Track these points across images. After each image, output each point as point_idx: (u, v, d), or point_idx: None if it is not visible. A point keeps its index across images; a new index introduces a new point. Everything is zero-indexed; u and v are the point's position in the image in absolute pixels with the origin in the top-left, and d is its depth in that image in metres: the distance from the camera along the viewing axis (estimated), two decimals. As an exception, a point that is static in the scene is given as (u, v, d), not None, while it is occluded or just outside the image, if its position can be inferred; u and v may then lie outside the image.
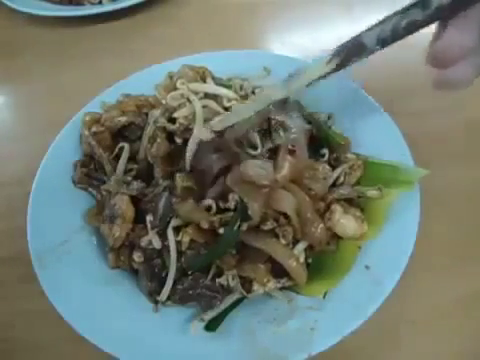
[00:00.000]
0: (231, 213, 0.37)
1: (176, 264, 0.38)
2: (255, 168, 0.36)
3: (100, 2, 0.79)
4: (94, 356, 0.35)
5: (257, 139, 0.40)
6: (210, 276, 0.38)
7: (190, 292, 0.38)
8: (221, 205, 0.38)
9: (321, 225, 0.39)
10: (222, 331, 0.36)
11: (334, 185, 0.43)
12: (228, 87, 0.46)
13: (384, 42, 0.26)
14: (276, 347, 0.34)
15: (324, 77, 0.28)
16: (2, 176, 0.56)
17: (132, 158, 0.46)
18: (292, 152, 0.39)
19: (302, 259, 0.39)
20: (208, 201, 0.38)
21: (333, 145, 0.45)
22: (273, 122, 0.41)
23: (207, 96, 0.44)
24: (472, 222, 0.47)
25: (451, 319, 0.40)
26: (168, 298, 0.38)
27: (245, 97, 0.47)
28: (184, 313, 0.38)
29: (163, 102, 0.45)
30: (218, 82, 0.47)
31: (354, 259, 0.38)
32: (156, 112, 0.44)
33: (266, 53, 0.65)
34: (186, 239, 0.38)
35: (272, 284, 0.38)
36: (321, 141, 0.46)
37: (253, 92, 0.49)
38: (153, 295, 0.39)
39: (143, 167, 0.44)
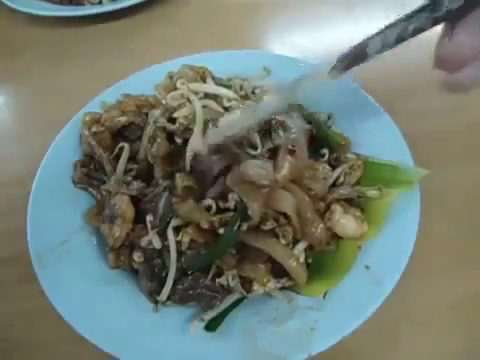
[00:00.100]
0: (231, 213, 0.37)
1: (176, 264, 0.38)
2: (255, 168, 0.36)
3: (100, 2, 0.79)
4: (94, 356, 0.35)
5: (257, 139, 0.40)
6: (210, 276, 0.38)
7: (190, 292, 0.38)
8: (221, 205, 0.38)
9: (321, 225, 0.39)
10: (222, 331, 0.36)
11: (334, 185, 0.43)
12: (228, 87, 0.46)
13: (387, 47, 0.26)
14: (276, 347, 0.34)
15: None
16: (2, 176, 0.56)
17: (132, 158, 0.46)
18: (292, 152, 0.39)
19: (302, 259, 0.39)
20: (208, 201, 0.38)
21: (333, 145, 0.45)
22: (273, 122, 0.41)
23: (207, 96, 0.44)
24: (472, 222, 0.47)
25: (451, 319, 0.40)
26: (168, 298, 0.38)
27: (245, 97, 0.47)
28: (184, 313, 0.38)
29: (163, 102, 0.45)
30: (218, 82, 0.47)
31: (354, 259, 0.38)
32: (156, 112, 0.44)
33: (266, 53, 0.65)
34: (186, 239, 0.38)
35: (272, 284, 0.38)
36: (321, 141, 0.46)
37: (253, 92, 0.49)
38: (153, 295, 0.39)
39: (143, 167, 0.44)
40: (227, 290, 0.38)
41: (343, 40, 0.68)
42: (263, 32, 0.77)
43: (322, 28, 0.75)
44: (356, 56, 0.26)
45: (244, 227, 0.36)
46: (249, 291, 0.38)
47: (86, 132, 0.46)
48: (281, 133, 0.41)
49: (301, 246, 0.39)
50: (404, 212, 0.39)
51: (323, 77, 0.27)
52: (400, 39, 0.26)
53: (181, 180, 0.39)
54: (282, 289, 0.39)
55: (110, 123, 0.46)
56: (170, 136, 0.43)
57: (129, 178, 0.43)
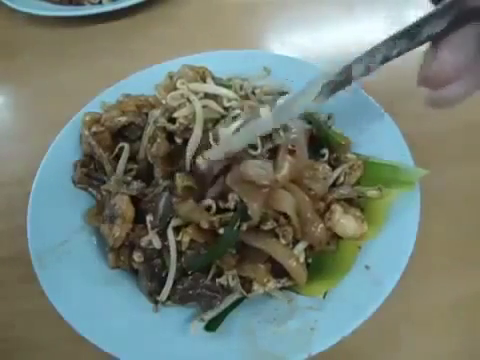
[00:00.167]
0: (231, 213, 0.37)
1: (176, 264, 0.38)
2: (255, 168, 0.36)
3: (100, 2, 0.79)
4: (94, 356, 0.35)
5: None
6: (210, 276, 0.38)
7: (190, 292, 0.38)
8: (221, 205, 0.38)
9: (321, 225, 0.39)
10: (222, 331, 0.36)
11: (334, 185, 0.44)
12: (228, 87, 0.46)
13: (373, 70, 0.26)
14: (276, 347, 0.34)
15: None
16: (2, 176, 0.56)
17: (132, 158, 0.46)
18: (292, 152, 0.39)
19: (302, 259, 0.39)
20: (208, 201, 0.38)
21: (333, 145, 0.45)
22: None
23: (207, 96, 0.44)
24: (471, 222, 0.47)
25: (451, 319, 0.40)
26: (168, 298, 0.38)
27: (245, 97, 0.47)
28: (184, 313, 0.38)
29: (163, 102, 0.45)
30: (218, 82, 0.47)
31: (354, 259, 0.38)
32: (156, 112, 0.44)
33: (266, 53, 0.65)
34: (186, 239, 0.38)
35: (272, 284, 0.38)
36: (321, 141, 0.46)
37: (253, 92, 0.49)
38: (153, 295, 0.39)
39: (143, 167, 0.44)
40: (227, 290, 0.38)
41: (343, 40, 0.69)
42: (263, 32, 0.77)
43: (322, 28, 0.75)
44: (341, 81, 0.26)
45: (244, 227, 0.36)
46: (249, 291, 0.38)
47: (86, 132, 0.46)
48: (281, 133, 0.40)
49: (301, 246, 0.39)
50: (404, 212, 0.39)
51: (308, 103, 0.27)
52: (385, 61, 0.26)
53: (181, 180, 0.39)
54: (282, 289, 0.39)
55: (110, 123, 0.46)
56: (170, 136, 0.43)
57: (129, 178, 0.43)
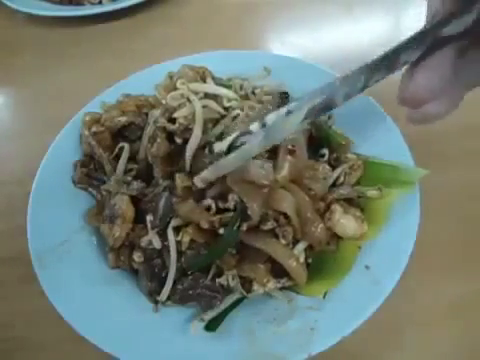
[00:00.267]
0: (231, 213, 0.37)
1: (176, 264, 0.38)
2: (255, 168, 0.36)
3: (100, 2, 0.79)
4: (94, 356, 0.35)
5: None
6: (210, 276, 0.38)
7: (190, 292, 0.38)
8: (221, 205, 0.38)
9: (321, 225, 0.39)
10: (222, 331, 0.36)
11: (334, 185, 0.43)
12: (228, 87, 0.46)
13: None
14: (276, 347, 0.34)
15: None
16: (2, 176, 0.56)
17: (132, 158, 0.46)
18: (292, 152, 0.39)
19: (302, 259, 0.39)
20: (208, 201, 0.38)
21: (333, 145, 0.45)
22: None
23: (207, 96, 0.44)
24: (471, 222, 0.47)
25: (451, 319, 0.40)
26: (168, 298, 0.38)
27: (245, 97, 0.47)
28: (184, 313, 0.38)
29: (163, 102, 0.45)
30: (218, 82, 0.47)
31: (354, 259, 0.38)
32: (156, 112, 0.44)
33: (266, 53, 0.65)
34: (186, 239, 0.38)
35: (272, 284, 0.38)
36: (321, 141, 0.46)
37: (253, 92, 0.49)
38: (153, 295, 0.39)
39: (143, 167, 0.44)
40: (227, 290, 0.38)
41: (343, 40, 0.69)
42: (263, 32, 0.77)
43: (322, 28, 0.75)
44: (323, 109, 0.27)
45: (244, 227, 0.36)
46: (249, 291, 0.38)
47: (86, 132, 0.46)
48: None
49: (301, 246, 0.39)
50: (404, 212, 0.39)
51: (295, 127, 0.28)
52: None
53: (181, 180, 0.39)
54: (282, 289, 0.39)
55: (110, 123, 0.46)
56: (170, 136, 0.42)
57: (129, 178, 0.43)
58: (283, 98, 0.46)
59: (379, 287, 0.35)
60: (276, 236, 0.38)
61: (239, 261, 0.38)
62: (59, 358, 0.41)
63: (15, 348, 0.41)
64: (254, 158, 0.38)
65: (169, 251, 0.38)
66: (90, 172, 0.46)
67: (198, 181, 0.36)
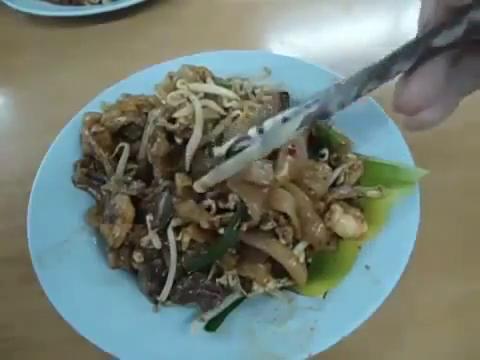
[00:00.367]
0: (231, 213, 0.37)
1: (176, 264, 0.38)
2: (255, 168, 0.36)
3: (100, 2, 0.79)
4: (94, 356, 0.35)
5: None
6: (210, 276, 0.38)
7: (190, 292, 0.38)
8: (221, 205, 0.38)
9: (321, 225, 0.39)
10: (222, 331, 0.36)
11: (334, 185, 0.43)
12: (228, 87, 0.46)
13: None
14: (276, 347, 0.34)
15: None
16: (2, 176, 0.56)
17: (132, 158, 0.46)
18: (292, 152, 0.39)
19: (302, 259, 0.39)
20: (208, 201, 0.38)
21: (333, 145, 0.45)
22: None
23: (207, 96, 0.44)
24: (472, 222, 0.47)
25: (451, 319, 0.40)
26: (168, 298, 0.38)
27: (245, 97, 0.47)
28: (184, 313, 0.38)
29: (163, 102, 0.45)
30: (218, 82, 0.47)
31: (354, 259, 0.38)
32: (156, 112, 0.44)
33: (266, 53, 0.65)
34: (186, 239, 0.38)
35: (272, 284, 0.38)
36: (321, 141, 0.46)
37: (253, 92, 0.49)
38: (153, 295, 0.39)
39: (143, 167, 0.44)
40: (227, 290, 0.38)
41: (343, 40, 0.69)
42: (263, 32, 0.77)
43: (322, 28, 0.75)
44: (317, 117, 0.28)
45: (244, 227, 0.36)
46: (249, 291, 0.38)
47: (86, 132, 0.46)
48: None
49: (301, 246, 0.39)
50: (404, 212, 0.39)
51: (292, 134, 0.29)
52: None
53: (181, 180, 0.39)
54: (282, 289, 0.39)
55: (110, 123, 0.46)
56: (170, 136, 0.42)
57: (129, 178, 0.43)
58: (283, 98, 0.46)
59: (379, 287, 0.35)
60: (276, 236, 0.38)
61: (239, 261, 0.38)
62: (59, 358, 0.41)
63: (15, 348, 0.41)
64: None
65: (169, 251, 0.38)
66: (90, 172, 0.46)
67: (198, 186, 0.36)
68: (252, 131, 0.29)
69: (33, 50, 0.76)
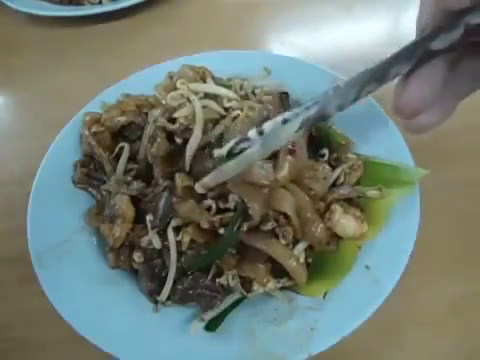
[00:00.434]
0: (231, 213, 0.37)
1: (176, 264, 0.38)
2: (255, 168, 0.36)
3: (100, 2, 0.79)
4: (94, 356, 0.35)
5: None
6: (210, 276, 0.38)
7: (190, 292, 0.38)
8: (221, 205, 0.38)
9: (321, 225, 0.39)
10: (222, 331, 0.36)
11: (334, 185, 0.43)
12: (228, 87, 0.46)
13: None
14: (276, 347, 0.34)
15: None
16: (2, 176, 0.56)
17: (132, 158, 0.46)
18: (292, 152, 0.39)
19: (302, 259, 0.39)
20: (208, 201, 0.38)
21: (333, 145, 0.45)
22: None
23: (207, 96, 0.44)
24: (472, 222, 0.47)
25: (451, 319, 0.40)
26: (168, 298, 0.38)
27: (245, 97, 0.47)
28: (184, 313, 0.38)
29: (163, 102, 0.45)
30: (218, 82, 0.47)
31: (354, 259, 0.38)
32: (156, 112, 0.44)
33: (266, 53, 0.65)
34: (186, 239, 0.38)
35: (272, 284, 0.38)
36: (321, 141, 0.46)
37: (253, 92, 0.49)
38: (153, 295, 0.39)
39: (143, 167, 0.44)
40: (227, 290, 0.38)
41: (343, 40, 0.68)
42: (263, 32, 0.77)
43: (322, 28, 0.75)
44: (316, 120, 0.28)
45: (244, 227, 0.36)
46: (249, 291, 0.38)
47: (86, 132, 0.46)
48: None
49: (301, 246, 0.39)
50: (404, 212, 0.39)
51: (292, 136, 0.29)
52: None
53: (181, 180, 0.39)
54: (282, 289, 0.39)
55: (110, 123, 0.46)
56: (170, 136, 0.42)
57: (129, 178, 0.43)
58: (283, 98, 0.46)
59: (379, 287, 0.35)
60: (276, 236, 0.38)
61: (239, 261, 0.38)
62: (59, 358, 0.41)
63: (15, 348, 0.41)
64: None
65: (169, 251, 0.38)
66: (90, 172, 0.46)
67: (199, 187, 0.36)
68: (252, 133, 0.30)
69: (33, 50, 0.76)
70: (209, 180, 0.35)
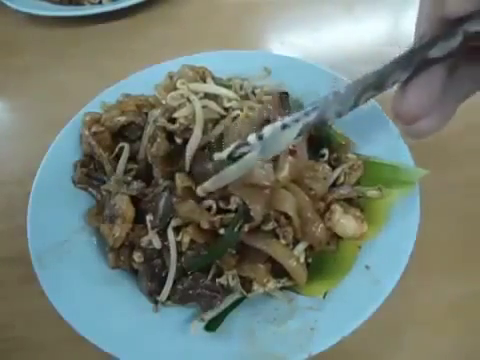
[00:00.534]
0: (232, 214, 0.37)
1: (176, 264, 0.38)
2: (256, 169, 0.36)
3: (100, 2, 0.79)
4: (94, 356, 0.35)
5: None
6: (210, 276, 0.38)
7: (190, 292, 0.38)
8: (222, 205, 0.38)
9: (321, 225, 0.39)
10: (222, 331, 0.36)
11: (334, 185, 0.44)
12: (228, 87, 0.46)
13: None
14: (276, 347, 0.34)
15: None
16: (2, 176, 0.56)
17: (132, 158, 0.46)
18: (292, 152, 0.39)
19: (302, 259, 0.39)
20: (209, 201, 0.38)
21: (333, 145, 0.45)
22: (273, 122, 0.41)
23: (207, 96, 0.44)
24: (472, 222, 0.47)
25: (451, 319, 0.40)
26: (168, 298, 0.38)
27: (245, 97, 0.47)
28: (184, 313, 0.38)
29: (163, 102, 0.45)
30: (218, 82, 0.47)
31: (354, 259, 0.38)
32: (156, 112, 0.44)
33: (266, 53, 0.65)
34: (186, 239, 0.38)
35: (272, 284, 0.38)
36: (321, 141, 0.46)
37: (253, 92, 0.49)
38: (153, 295, 0.39)
39: (143, 167, 0.44)
40: (227, 290, 0.38)
41: (343, 40, 0.68)
42: (263, 32, 0.77)
43: (322, 28, 0.75)
44: (318, 123, 0.28)
45: (246, 228, 0.36)
46: (249, 291, 0.38)
47: (86, 132, 0.46)
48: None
49: (301, 246, 0.39)
50: (404, 212, 0.39)
51: (292, 142, 0.29)
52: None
53: (181, 180, 0.39)
54: (282, 289, 0.39)
55: (110, 123, 0.46)
56: (170, 136, 0.42)
57: (129, 178, 0.43)
58: (283, 98, 0.46)
59: (379, 287, 0.35)
60: (276, 236, 0.38)
61: (239, 261, 0.38)
62: (59, 358, 0.41)
63: (15, 348, 0.41)
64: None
65: (169, 251, 0.38)
66: (90, 172, 0.46)
67: (200, 191, 0.37)
68: (252, 137, 0.30)
69: (33, 50, 0.76)
70: (209, 185, 0.36)
